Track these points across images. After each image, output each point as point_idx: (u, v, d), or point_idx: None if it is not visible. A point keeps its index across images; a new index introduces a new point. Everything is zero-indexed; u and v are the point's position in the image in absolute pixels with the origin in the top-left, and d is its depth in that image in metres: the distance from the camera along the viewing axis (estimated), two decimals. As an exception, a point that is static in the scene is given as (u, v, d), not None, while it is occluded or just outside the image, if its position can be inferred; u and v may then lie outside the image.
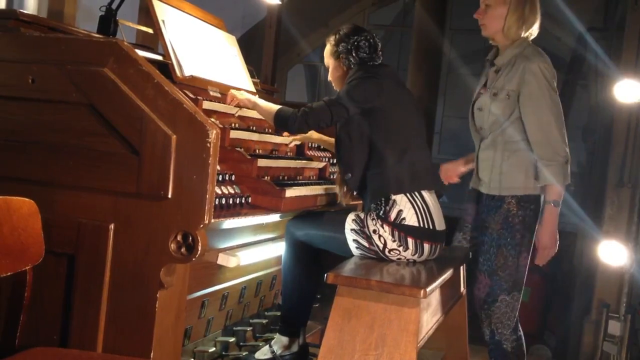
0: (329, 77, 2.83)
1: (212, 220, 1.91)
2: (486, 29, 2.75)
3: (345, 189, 2.70)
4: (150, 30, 2.95)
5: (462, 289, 2.98)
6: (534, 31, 2.75)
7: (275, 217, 2.52)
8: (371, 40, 2.72)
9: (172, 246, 1.89)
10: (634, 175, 4.91)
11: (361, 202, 2.79)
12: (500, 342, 2.73)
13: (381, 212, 2.52)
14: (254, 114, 2.81)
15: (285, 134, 2.93)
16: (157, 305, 1.91)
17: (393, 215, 2.50)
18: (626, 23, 5.05)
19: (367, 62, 2.69)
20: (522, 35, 2.72)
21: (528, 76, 2.64)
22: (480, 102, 2.75)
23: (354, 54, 2.69)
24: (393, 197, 2.51)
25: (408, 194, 2.52)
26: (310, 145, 3.18)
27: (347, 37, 2.71)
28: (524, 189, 2.66)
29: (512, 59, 2.70)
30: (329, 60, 2.79)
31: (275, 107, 2.67)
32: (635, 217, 4.78)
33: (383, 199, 2.52)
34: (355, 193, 2.69)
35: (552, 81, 2.66)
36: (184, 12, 2.94)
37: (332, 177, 3.09)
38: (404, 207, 2.51)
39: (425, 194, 2.57)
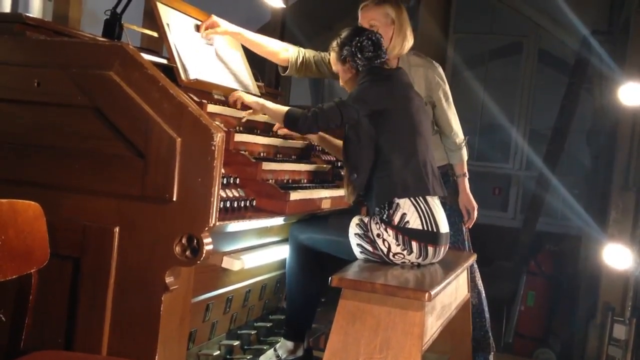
0: (341, 83, 2.83)
1: (217, 224, 1.91)
2: None
3: (351, 188, 2.69)
4: (155, 34, 2.96)
5: (466, 292, 2.97)
6: (408, 48, 3.13)
7: (279, 221, 2.52)
8: (373, 38, 2.72)
9: (177, 249, 1.89)
10: (638, 178, 4.90)
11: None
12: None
13: (384, 215, 2.51)
14: (259, 117, 2.81)
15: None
16: (161, 309, 1.91)
17: (397, 219, 2.50)
18: (630, 26, 5.05)
19: (374, 60, 2.69)
20: (403, 53, 3.10)
21: (436, 81, 3.19)
22: None
23: (359, 55, 2.69)
24: (397, 200, 2.51)
25: (412, 198, 2.52)
26: (315, 148, 3.18)
27: (349, 40, 2.71)
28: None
29: (407, 73, 3.02)
30: (336, 66, 2.79)
31: (284, 108, 2.67)
32: (640, 221, 4.77)
33: (387, 202, 2.52)
34: (360, 194, 2.69)
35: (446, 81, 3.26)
36: (188, 15, 2.94)
37: (336, 180, 3.09)
38: (408, 211, 2.51)
39: (428, 197, 2.56)
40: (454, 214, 3.33)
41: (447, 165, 3.36)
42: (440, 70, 3.23)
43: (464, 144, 3.34)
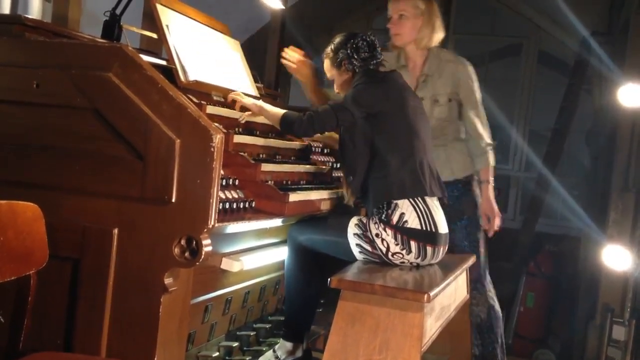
0: (335, 89, 2.84)
1: (216, 225, 1.91)
2: (400, 39, 3.07)
3: (349, 190, 2.71)
4: (154, 36, 2.96)
5: (465, 293, 2.97)
6: (437, 41, 3.12)
7: (278, 222, 2.52)
8: (368, 40, 2.73)
9: (176, 250, 1.89)
10: (638, 179, 4.90)
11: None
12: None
13: (383, 215, 2.52)
14: (258, 118, 2.82)
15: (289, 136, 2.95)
16: (160, 310, 1.91)
17: (395, 219, 2.50)
18: (630, 27, 5.05)
19: (370, 61, 2.70)
20: (431, 45, 3.08)
21: (465, 79, 3.12)
22: None
23: (355, 57, 2.70)
24: (395, 201, 2.52)
25: (410, 199, 2.53)
26: (314, 149, 3.18)
27: (344, 44, 2.73)
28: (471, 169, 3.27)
29: (437, 66, 3.07)
30: (331, 72, 2.81)
31: (281, 111, 2.68)
32: (639, 222, 4.77)
33: (385, 202, 2.53)
34: (358, 196, 2.69)
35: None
36: (188, 17, 2.94)
37: (335, 182, 3.09)
38: (406, 210, 2.51)
39: (427, 198, 2.57)
40: (472, 224, 3.25)
41: (470, 176, 3.27)
42: (471, 68, 3.17)
43: (490, 148, 3.20)
